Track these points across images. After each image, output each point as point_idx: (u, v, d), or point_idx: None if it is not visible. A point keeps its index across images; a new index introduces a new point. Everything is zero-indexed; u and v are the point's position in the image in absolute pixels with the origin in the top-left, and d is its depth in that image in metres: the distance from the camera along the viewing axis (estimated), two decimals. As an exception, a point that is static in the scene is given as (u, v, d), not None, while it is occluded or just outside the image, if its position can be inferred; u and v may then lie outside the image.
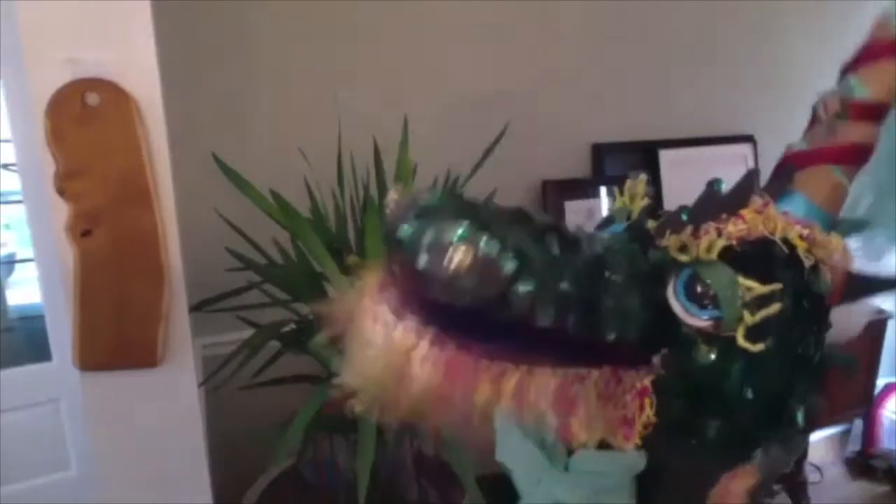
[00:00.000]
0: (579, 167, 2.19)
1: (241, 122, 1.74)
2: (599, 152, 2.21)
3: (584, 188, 2.16)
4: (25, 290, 2.04)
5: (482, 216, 0.48)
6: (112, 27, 1.15)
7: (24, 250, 1.90)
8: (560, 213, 2.11)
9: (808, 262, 0.56)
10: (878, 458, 2.68)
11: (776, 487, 2.41)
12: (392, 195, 0.52)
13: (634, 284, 0.53)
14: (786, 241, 0.56)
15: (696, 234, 0.55)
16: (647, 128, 2.27)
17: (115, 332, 1.22)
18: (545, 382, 0.52)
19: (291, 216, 1.37)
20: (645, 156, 2.28)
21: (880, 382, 2.63)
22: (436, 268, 0.46)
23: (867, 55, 0.62)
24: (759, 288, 0.53)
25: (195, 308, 1.42)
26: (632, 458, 0.58)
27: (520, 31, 2.03)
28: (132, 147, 1.17)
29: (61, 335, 1.71)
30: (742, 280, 0.53)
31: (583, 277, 0.51)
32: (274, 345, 1.47)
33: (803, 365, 0.57)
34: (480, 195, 1.68)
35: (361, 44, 1.84)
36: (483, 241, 0.47)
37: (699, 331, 0.54)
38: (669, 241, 0.55)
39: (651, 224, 0.59)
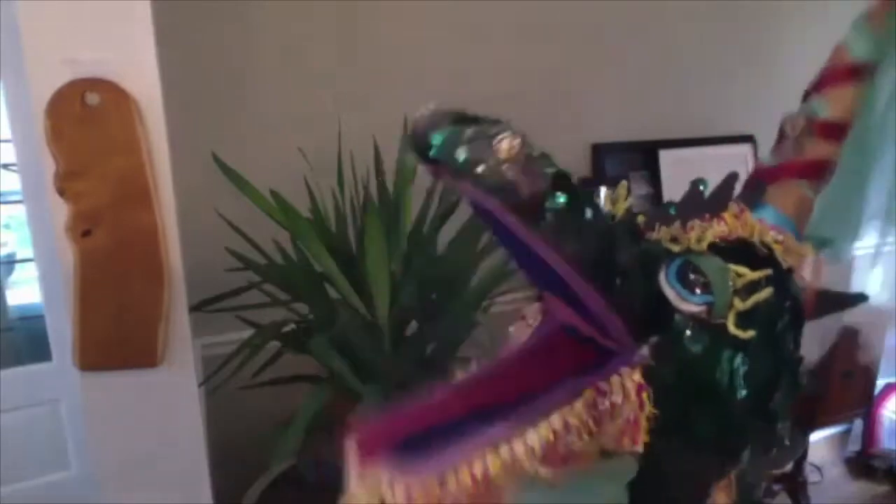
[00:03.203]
0: (579, 167, 2.19)
1: (241, 122, 1.74)
2: (599, 152, 2.21)
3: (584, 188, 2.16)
4: (25, 290, 2.04)
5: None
6: (112, 27, 1.15)
7: (24, 250, 1.90)
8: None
9: (784, 265, 0.58)
10: (878, 458, 2.68)
11: (776, 487, 2.41)
12: (425, 107, 0.52)
13: (637, 261, 0.55)
14: (762, 244, 0.58)
15: (683, 229, 0.57)
16: (647, 128, 2.27)
17: (115, 332, 1.22)
18: (529, 447, 0.50)
19: (291, 216, 1.36)
20: (645, 156, 2.28)
21: (880, 382, 2.63)
22: (481, 154, 0.47)
23: (828, 79, 0.67)
24: (749, 274, 0.55)
25: (195, 308, 1.42)
26: (622, 466, 0.57)
27: (519, 32, 2.03)
28: (132, 147, 1.17)
29: (61, 335, 1.71)
30: (733, 267, 0.55)
31: (603, 231, 0.53)
32: (274, 345, 1.47)
33: (786, 363, 0.59)
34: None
35: (361, 44, 1.84)
36: (526, 138, 0.48)
37: (691, 317, 0.55)
38: (661, 232, 0.57)
39: (640, 219, 0.61)
